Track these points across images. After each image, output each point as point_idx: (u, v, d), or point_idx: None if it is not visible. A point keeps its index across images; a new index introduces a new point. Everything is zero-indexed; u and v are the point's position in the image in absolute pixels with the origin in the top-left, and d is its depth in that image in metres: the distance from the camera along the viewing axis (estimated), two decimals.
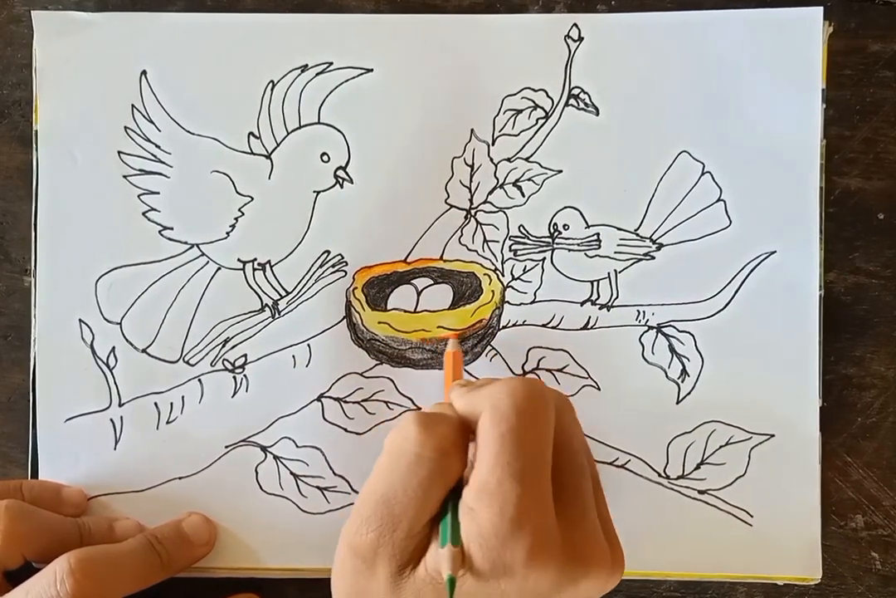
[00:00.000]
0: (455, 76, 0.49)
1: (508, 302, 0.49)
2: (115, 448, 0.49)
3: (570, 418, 0.39)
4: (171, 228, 0.49)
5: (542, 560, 0.34)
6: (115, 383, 0.49)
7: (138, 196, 0.49)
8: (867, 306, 0.49)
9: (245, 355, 0.49)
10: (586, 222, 0.49)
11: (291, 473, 0.49)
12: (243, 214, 0.49)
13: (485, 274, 0.49)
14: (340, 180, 0.49)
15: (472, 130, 0.49)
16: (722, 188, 0.48)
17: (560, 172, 0.49)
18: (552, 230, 0.49)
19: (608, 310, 0.49)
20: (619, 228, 0.49)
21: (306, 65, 0.49)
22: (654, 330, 0.49)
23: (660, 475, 0.48)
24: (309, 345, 0.49)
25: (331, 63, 0.49)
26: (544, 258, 0.49)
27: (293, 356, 0.49)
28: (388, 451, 0.37)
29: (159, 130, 0.49)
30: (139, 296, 0.49)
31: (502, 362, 0.49)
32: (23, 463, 0.49)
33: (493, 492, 0.34)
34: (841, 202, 0.49)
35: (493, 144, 0.49)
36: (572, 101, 0.49)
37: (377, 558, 0.35)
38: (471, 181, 0.49)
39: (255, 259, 0.49)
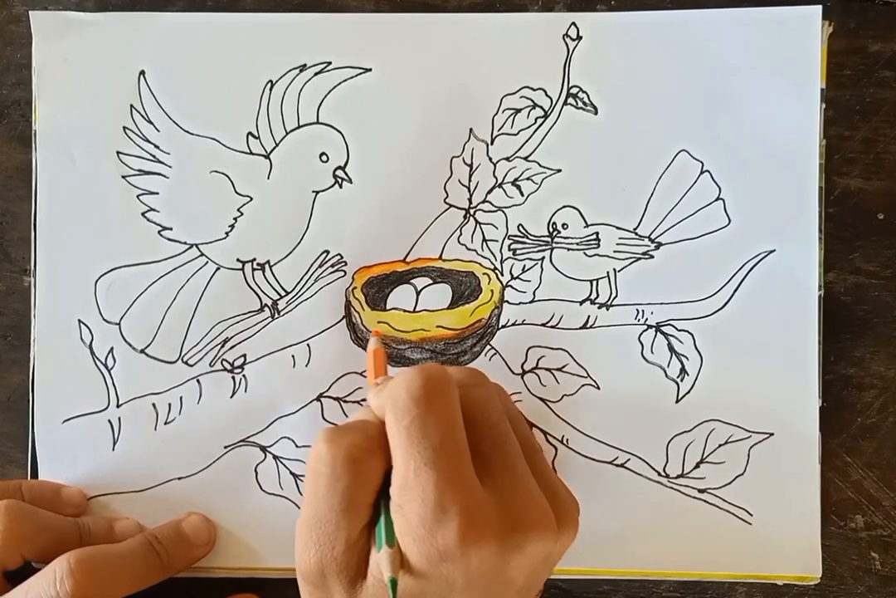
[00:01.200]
0: (454, 75, 0.49)
1: (507, 301, 0.49)
2: (113, 449, 0.49)
3: (484, 391, 0.38)
4: (171, 229, 0.49)
5: (474, 537, 0.34)
6: (113, 383, 0.49)
7: (137, 196, 0.49)
8: (867, 306, 0.49)
9: (244, 355, 0.49)
10: (585, 221, 0.49)
11: (291, 473, 0.49)
12: (242, 214, 0.49)
13: (484, 273, 0.49)
14: (339, 180, 0.49)
15: (470, 130, 0.49)
16: (721, 187, 0.48)
17: (559, 171, 0.49)
18: (551, 229, 0.49)
19: (607, 309, 0.49)
20: (618, 227, 0.49)
21: (305, 64, 0.49)
22: (654, 329, 0.49)
23: (659, 474, 0.48)
24: (308, 345, 0.49)
25: (329, 63, 0.49)
26: (543, 257, 0.49)
27: (292, 356, 0.49)
28: (307, 475, 0.37)
29: (158, 131, 0.49)
30: (138, 296, 0.49)
31: (501, 362, 0.49)
32: (22, 463, 0.49)
33: (412, 485, 0.34)
34: (841, 202, 0.49)
35: (491, 144, 0.49)
36: (571, 100, 0.49)
37: (326, 579, 0.36)
38: (470, 181, 0.49)
39: (255, 259, 0.49)
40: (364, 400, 0.49)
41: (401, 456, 0.35)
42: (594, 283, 0.49)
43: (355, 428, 0.37)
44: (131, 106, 0.49)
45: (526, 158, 0.49)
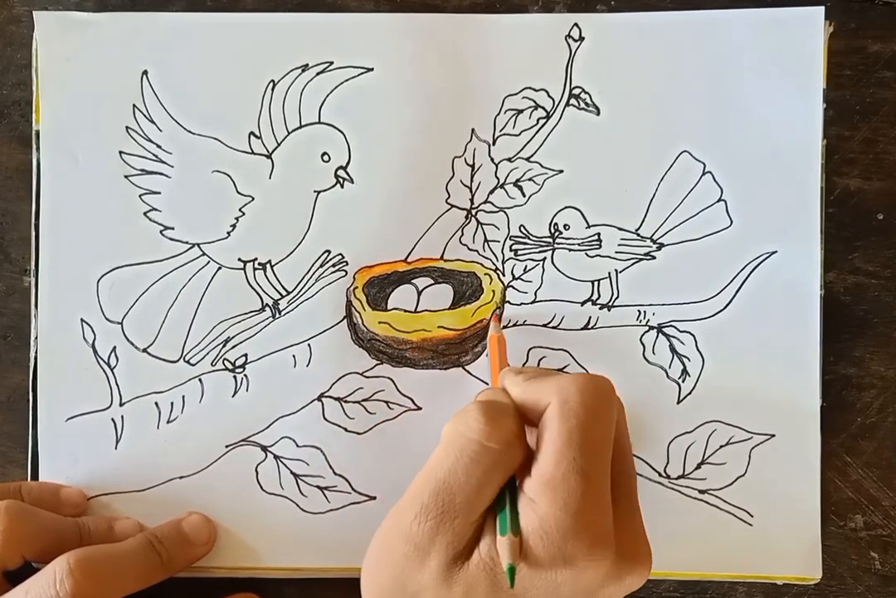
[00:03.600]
0: (456, 76, 0.49)
1: (509, 302, 0.49)
2: (115, 448, 0.49)
3: (623, 418, 0.39)
4: (172, 228, 0.49)
5: (600, 556, 0.35)
6: (115, 382, 0.49)
7: (139, 196, 0.49)
8: (867, 306, 0.49)
9: (245, 355, 0.49)
10: (587, 222, 0.49)
11: (292, 472, 0.49)
12: (244, 213, 0.49)
13: (485, 274, 0.49)
14: (341, 180, 0.49)
15: (472, 130, 0.49)
16: (723, 188, 0.48)
17: (561, 171, 0.49)
18: (553, 230, 0.49)
19: (609, 310, 0.49)
20: (619, 228, 0.49)
21: (307, 64, 0.49)
22: (655, 330, 0.49)
23: (660, 475, 0.48)
24: (309, 345, 0.49)
25: (331, 62, 0.49)
26: (545, 258, 0.49)
27: (293, 356, 0.49)
28: (450, 440, 0.37)
29: (160, 130, 0.49)
30: (140, 296, 0.49)
31: None
32: (23, 463, 0.49)
33: (558, 486, 0.35)
34: (841, 202, 0.49)
35: (493, 144, 0.49)
36: (573, 100, 0.49)
37: (433, 546, 0.36)
38: (471, 181, 0.49)
39: (256, 259, 0.49)
40: (365, 400, 0.49)
41: (553, 455, 0.35)
42: (596, 284, 0.49)
43: (510, 410, 0.37)
44: (133, 106, 0.49)
45: (528, 159, 0.49)
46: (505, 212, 0.49)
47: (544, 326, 0.49)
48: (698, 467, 0.48)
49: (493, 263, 0.49)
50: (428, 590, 0.36)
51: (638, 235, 0.49)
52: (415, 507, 0.36)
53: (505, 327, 0.49)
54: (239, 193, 0.49)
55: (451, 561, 0.36)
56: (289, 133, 0.49)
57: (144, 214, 0.49)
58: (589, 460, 0.35)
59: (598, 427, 0.36)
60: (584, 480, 0.35)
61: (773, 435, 0.48)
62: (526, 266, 0.49)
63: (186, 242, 0.49)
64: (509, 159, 0.49)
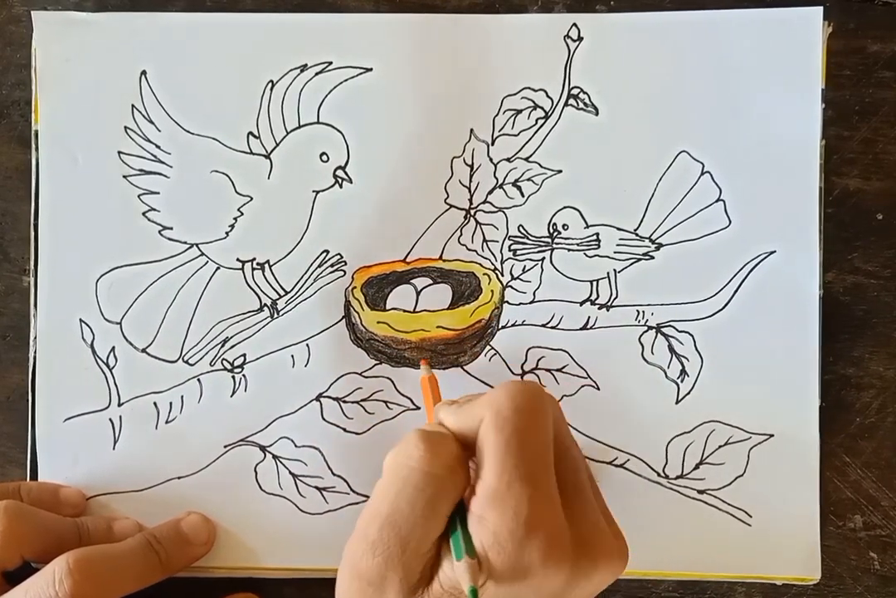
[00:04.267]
0: (455, 76, 0.49)
1: (508, 302, 0.49)
2: (114, 448, 0.49)
3: (559, 414, 0.39)
4: (171, 228, 0.49)
5: (556, 559, 0.34)
6: (114, 382, 0.49)
7: (138, 196, 0.49)
8: (866, 306, 0.49)
9: (244, 355, 0.49)
10: (586, 222, 0.49)
11: (290, 472, 0.49)
12: (242, 213, 0.49)
13: (484, 274, 0.49)
14: (340, 180, 0.49)
15: (471, 130, 0.49)
16: (721, 188, 0.48)
17: (559, 171, 0.49)
18: (551, 230, 0.49)
19: (608, 310, 0.49)
20: (618, 228, 0.49)
21: (306, 64, 0.49)
22: (654, 330, 0.49)
23: (659, 475, 0.48)
24: (308, 345, 0.49)
25: (330, 63, 0.49)
26: (544, 258, 0.49)
27: (292, 356, 0.49)
28: (392, 471, 0.36)
29: (159, 130, 0.49)
30: (139, 296, 0.49)
31: (501, 362, 0.49)
32: (22, 463, 0.49)
33: (504, 497, 0.34)
34: (840, 202, 0.49)
35: (492, 144, 0.49)
36: (572, 101, 0.49)
37: (386, 582, 0.35)
38: (470, 181, 0.49)
39: (255, 259, 0.49)
40: (363, 400, 0.49)
41: (493, 466, 0.35)
42: (594, 283, 0.49)
43: (450, 436, 0.37)
44: (132, 106, 0.49)
45: (527, 159, 0.49)
46: (504, 212, 0.49)
47: (543, 326, 0.49)
48: (697, 467, 0.48)
49: (492, 263, 0.49)
50: None
51: (637, 235, 0.49)
52: (362, 544, 0.35)
53: (504, 327, 0.49)
54: (238, 193, 0.49)
55: (409, 593, 0.35)
56: (287, 133, 0.49)
57: (143, 214, 0.49)
58: (530, 464, 0.35)
59: (534, 430, 0.36)
60: (528, 485, 0.34)
61: (771, 435, 0.48)
62: (525, 266, 0.49)
63: (185, 242, 0.49)
64: (508, 159, 0.49)
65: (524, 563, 0.34)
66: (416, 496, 0.35)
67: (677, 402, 0.49)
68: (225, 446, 0.49)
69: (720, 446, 0.48)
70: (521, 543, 0.34)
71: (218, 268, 0.49)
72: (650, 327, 0.49)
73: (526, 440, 0.35)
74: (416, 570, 0.35)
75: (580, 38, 0.49)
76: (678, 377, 0.49)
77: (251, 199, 0.49)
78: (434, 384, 0.46)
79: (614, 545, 0.37)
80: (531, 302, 0.49)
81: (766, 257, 0.48)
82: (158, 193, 0.49)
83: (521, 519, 0.34)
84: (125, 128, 0.49)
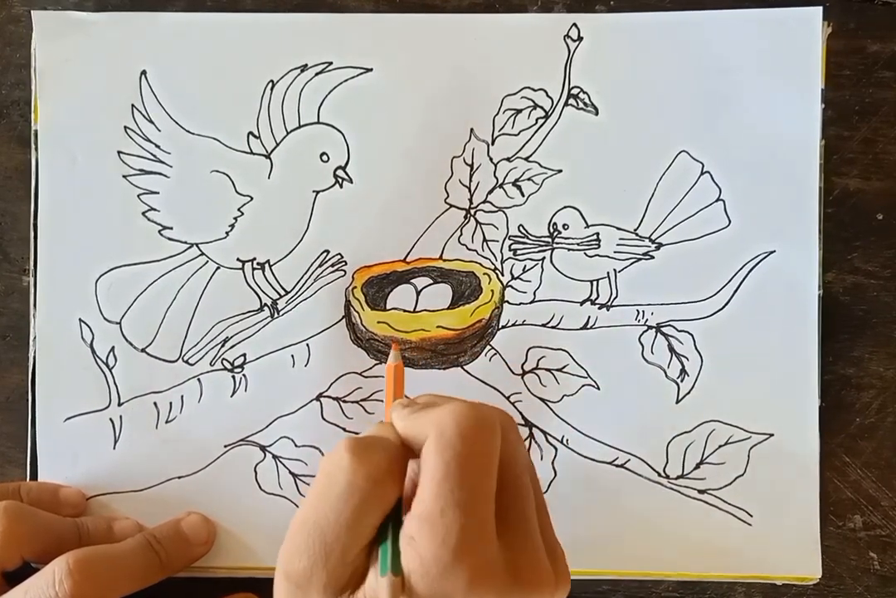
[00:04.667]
0: (455, 76, 0.49)
1: (508, 302, 0.49)
2: (114, 448, 0.49)
3: (515, 437, 0.38)
4: (171, 228, 0.49)
5: (482, 590, 0.33)
6: (114, 382, 0.49)
7: (138, 196, 0.49)
8: (866, 306, 0.49)
9: (244, 355, 0.49)
10: (586, 222, 0.49)
11: (290, 472, 0.49)
12: (243, 213, 0.49)
13: (484, 273, 0.49)
14: (340, 180, 0.49)
15: (471, 130, 0.49)
16: (721, 188, 0.48)
17: (559, 171, 0.49)
18: (552, 230, 0.49)
19: (608, 309, 0.49)
20: (618, 228, 0.49)
21: (306, 64, 0.49)
22: (654, 330, 0.49)
23: (659, 475, 0.48)
24: (308, 344, 0.49)
25: (330, 63, 0.49)
26: (544, 258, 0.49)
27: (292, 356, 0.49)
28: (319, 478, 0.36)
29: (159, 130, 0.49)
30: (139, 295, 0.49)
31: (502, 362, 0.49)
32: (22, 463, 0.49)
33: (436, 522, 0.33)
34: (840, 202, 0.49)
35: (492, 144, 0.49)
36: (572, 100, 0.49)
37: (310, 586, 0.35)
38: (470, 181, 0.49)
39: (255, 259, 0.49)
40: (363, 400, 0.49)
41: (431, 489, 0.34)
42: (594, 283, 0.49)
43: (381, 446, 0.36)
44: (132, 106, 0.49)
45: (527, 159, 0.49)
46: (504, 211, 0.49)
47: (543, 325, 0.49)
48: (697, 466, 0.48)
49: (492, 263, 0.49)
50: None
51: (637, 234, 0.49)
52: (290, 546, 0.35)
53: (504, 327, 0.49)
54: (238, 192, 0.49)
55: (335, 596, 0.35)
56: (288, 133, 0.49)
57: (143, 213, 0.49)
58: (468, 492, 0.34)
59: (477, 457, 0.35)
60: (462, 513, 0.33)
61: (771, 435, 0.48)
62: (525, 266, 0.49)
63: (185, 242, 0.49)
64: (508, 159, 0.49)
65: (447, 590, 0.33)
66: (341, 506, 0.35)
67: (677, 402, 0.49)
68: (225, 446, 0.49)
69: (720, 446, 0.48)
70: (446, 569, 0.33)
71: (218, 268, 0.49)
72: (650, 327, 0.49)
73: (466, 467, 0.34)
74: (342, 578, 0.35)
75: (580, 38, 0.49)
76: (678, 377, 0.49)
77: (251, 199, 0.49)
78: (400, 375, 0.45)
79: (551, 577, 0.36)
80: (531, 302, 0.49)
81: (765, 257, 0.48)
82: (158, 192, 0.49)
83: (450, 547, 0.33)
84: (125, 128, 0.49)
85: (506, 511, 0.36)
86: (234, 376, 0.49)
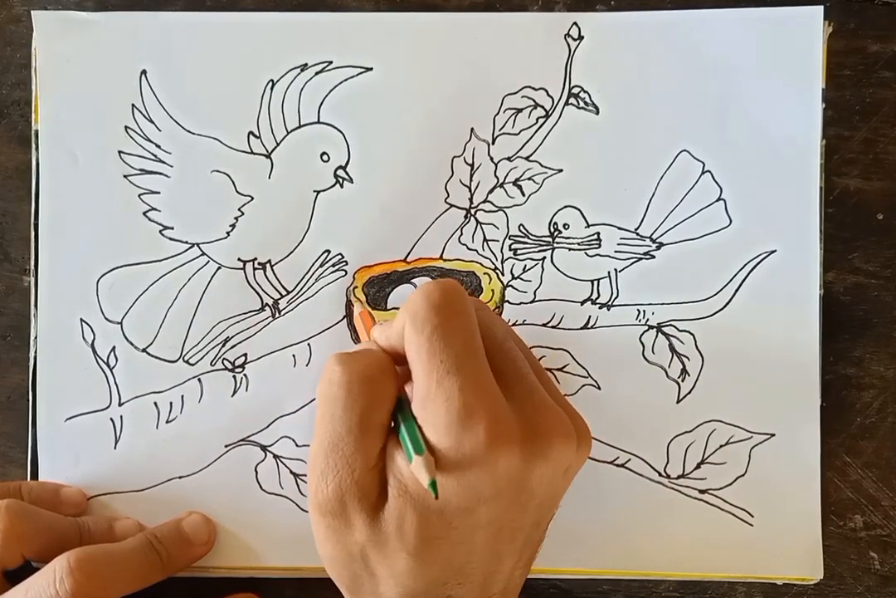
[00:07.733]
0: (455, 75, 0.49)
1: (508, 301, 0.49)
2: (115, 448, 0.49)
3: (487, 312, 0.39)
4: (172, 228, 0.49)
5: (502, 440, 0.34)
6: (115, 382, 0.49)
7: (139, 196, 0.49)
8: (866, 306, 0.49)
9: (245, 355, 0.49)
10: (586, 221, 0.49)
11: (291, 472, 0.49)
12: (243, 213, 0.49)
13: (485, 273, 0.49)
14: (340, 180, 0.49)
15: (472, 129, 0.49)
16: (722, 187, 0.48)
17: (560, 171, 0.49)
18: (552, 229, 0.49)
19: (608, 309, 0.49)
20: (619, 228, 0.49)
21: (306, 64, 0.49)
22: (655, 329, 0.49)
23: (660, 475, 0.48)
24: (309, 344, 0.49)
25: (330, 62, 0.49)
26: (544, 257, 0.49)
27: (293, 356, 0.49)
28: (320, 400, 0.37)
29: (159, 130, 0.49)
30: (140, 295, 0.49)
31: None
32: (22, 463, 0.49)
33: (437, 394, 0.34)
34: (840, 202, 0.49)
35: (493, 143, 0.49)
36: (572, 100, 0.49)
37: (346, 507, 0.36)
38: (471, 180, 0.49)
39: (256, 258, 0.49)
40: None
41: (422, 369, 0.35)
42: (595, 283, 0.49)
43: (365, 352, 0.38)
44: (132, 105, 0.49)
45: (527, 158, 0.49)
46: (504, 211, 0.49)
47: (544, 325, 0.49)
48: (698, 466, 0.48)
49: (493, 263, 0.49)
50: (368, 544, 0.36)
51: (637, 234, 0.49)
52: (314, 478, 0.36)
53: None
54: (238, 192, 0.49)
55: (372, 512, 0.36)
56: (288, 133, 0.49)
57: (144, 213, 0.49)
58: (457, 356, 0.35)
59: (455, 322, 0.36)
60: (458, 376, 0.34)
61: (772, 435, 0.48)
62: (525, 265, 0.49)
63: (186, 242, 0.49)
64: (508, 159, 0.49)
65: (469, 449, 0.34)
66: (347, 415, 0.36)
67: (678, 401, 0.48)
68: (226, 446, 0.49)
69: (721, 446, 0.48)
70: (458, 433, 0.34)
71: (219, 268, 0.49)
72: (651, 327, 0.49)
73: (448, 334, 0.35)
74: (373, 486, 0.36)
75: (581, 37, 0.49)
76: (679, 377, 0.49)
77: (252, 198, 0.49)
78: (367, 320, 0.46)
79: (567, 423, 0.37)
80: (532, 301, 0.49)
81: (766, 257, 0.48)
82: (159, 192, 0.49)
83: (455, 409, 0.34)
84: (125, 127, 0.49)
85: (501, 374, 0.37)
86: (234, 376, 0.49)
